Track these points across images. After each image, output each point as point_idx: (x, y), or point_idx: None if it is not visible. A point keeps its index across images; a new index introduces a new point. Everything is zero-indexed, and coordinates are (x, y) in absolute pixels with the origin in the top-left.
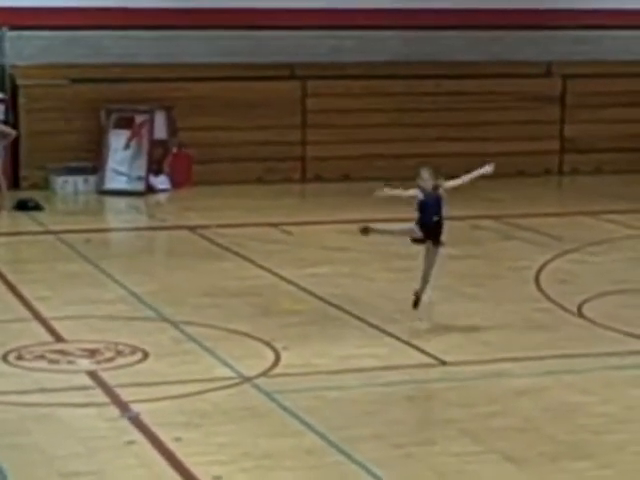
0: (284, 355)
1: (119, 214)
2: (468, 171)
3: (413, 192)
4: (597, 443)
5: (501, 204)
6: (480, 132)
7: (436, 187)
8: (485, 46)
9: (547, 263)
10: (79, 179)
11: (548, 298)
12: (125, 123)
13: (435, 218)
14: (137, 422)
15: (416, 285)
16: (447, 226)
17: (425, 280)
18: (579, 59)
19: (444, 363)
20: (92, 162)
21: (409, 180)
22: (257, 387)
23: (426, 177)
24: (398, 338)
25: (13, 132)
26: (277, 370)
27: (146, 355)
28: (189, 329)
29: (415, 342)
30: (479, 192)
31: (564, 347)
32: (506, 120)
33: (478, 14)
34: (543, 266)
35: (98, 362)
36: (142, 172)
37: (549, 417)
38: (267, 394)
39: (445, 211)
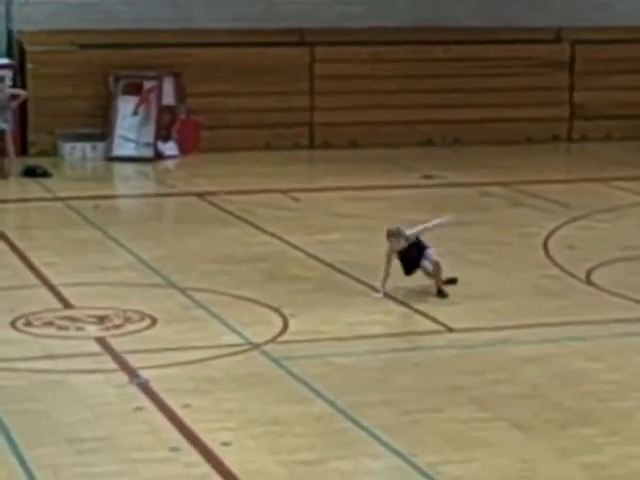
0: (292, 322)
1: (127, 180)
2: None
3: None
4: (605, 410)
5: (509, 171)
6: (488, 98)
7: (407, 239)
8: (494, 12)
9: (555, 230)
10: (87, 145)
11: (556, 265)
12: (133, 89)
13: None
14: (145, 388)
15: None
16: (457, 193)
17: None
18: (588, 25)
19: (451, 330)
20: (100, 128)
21: (419, 146)
22: (265, 354)
23: (394, 241)
24: (406, 305)
25: (24, 93)
26: (285, 337)
27: (154, 321)
28: (197, 295)
29: (422, 309)
30: (487, 159)
31: (572, 314)
32: (515, 86)
33: None
34: (551, 233)
35: (106, 328)
36: (150, 138)
37: (556, 384)
38: (275, 361)
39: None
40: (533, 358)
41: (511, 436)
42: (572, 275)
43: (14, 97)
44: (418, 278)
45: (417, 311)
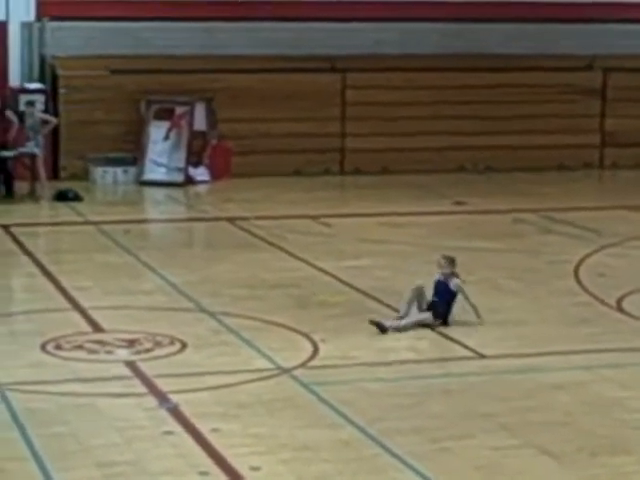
0: (322, 347)
1: (158, 205)
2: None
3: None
4: (636, 438)
5: (541, 198)
6: (521, 125)
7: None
8: (526, 39)
9: (587, 257)
10: (119, 170)
11: (587, 292)
12: (165, 114)
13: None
14: (175, 413)
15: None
16: (489, 219)
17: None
18: (621, 52)
19: (482, 356)
20: (132, 153)
21: (450, 172)
22: (295, 378)
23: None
24: (437, 331)
25: (54, 120)
26: (315, 362)
27: (184, 346)
28: (227, 320)
29: (453, 335)
30: (519, 186)
31: (603, 341)
32: (547, 113)
33: (520, 6)
34: (583, 260)
35: (137, 352)
36: (181, 163)
37: (587, 412)
38: (305, 386)
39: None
40: (564, 385)
41: (541, 464)
42: (603, 302)
43: (45, 123)
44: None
45: (448, 337)
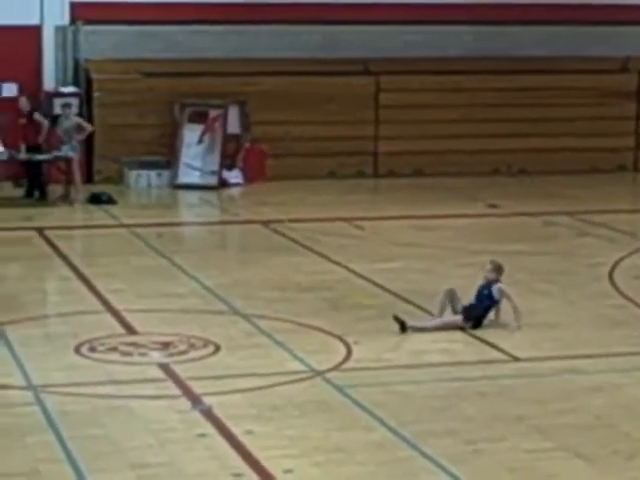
0: (356, 349)
1: (192, 208)
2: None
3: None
4: None
5: (575, 200)
6: (554, 128)
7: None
8: (560, 41)
9: (621, 260)
10: (152, 173)
11: (622, 294)
12: (199, 117)
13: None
14: (208, 415)
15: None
16: (522, 222)
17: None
18: None
19: (517, 359)
20: (165, 156)
21: (483, 175)
22: (328, 381)
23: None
24: (471, 334)
25: (89, 127)
26: (349, 364)
27: (218, 348)
28: (261, 323)
29: (487, 338)
30: (553, 188)
31: (638, 344)
32: (581, 116)
33: (553, 9)
34: (617, 263)
35: (170, 355)
36: (215, 166)
37: (623, 414)
38: (338, 388)
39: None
40: (599, 388)
41: (576, 467)
42: (638, 305)
43: (80, 129)
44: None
45: (482, 340)
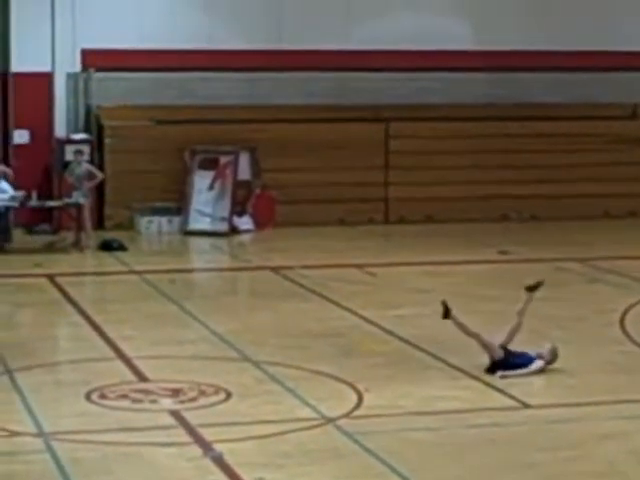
0: (367, 396)
1: (203, 254)
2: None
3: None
4: None
5: (586, 246)
6: (565, 174)
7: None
8: (570, 88)
9: (632, 306)
10: (163, 219)
11: (633, 341)
12: (210, 164)
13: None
14: (220, 462)
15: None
16: (533, 268)
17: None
18: None
19: (527, 406)
20: (176, 203)
21: (493, 221)
22: (340, 428)
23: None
24: (481, 380)
25: (100, 175)
26: (360, 411)
27: (229, 395)
28: (272, 369)
29: (498, 385)
30: (563, 234)
31: None
32: (591, 162)
33: (563, 56)
34: (628, 309)
35: (181, 402)
36: (226, 213)
37: (634, 462)
38: (350, 435)
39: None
40: (610, 435)
41: None
42: None
43: (91, 176)
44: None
45: (493, 387)
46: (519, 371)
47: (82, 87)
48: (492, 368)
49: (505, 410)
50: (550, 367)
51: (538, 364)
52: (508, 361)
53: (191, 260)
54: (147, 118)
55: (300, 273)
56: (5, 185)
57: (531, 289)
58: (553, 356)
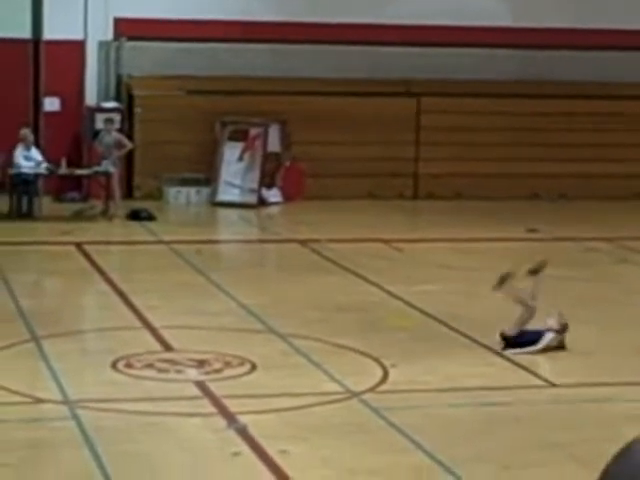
0: (392, 372)
1: (231, 226)
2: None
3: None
4: None
5: (615, 226)
6: (595, 153)
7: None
8: (603, 66)
9: None
10: (192, 190)
11: None
12: (239, 135)
13: None
14: (243, 434)
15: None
16: (561, 247)
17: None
18: None
19: (553, 385)
20: (205, 174)
21: (523, 199)
22: (364, 403)
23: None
24: (507, 358)
25: (129, 144)
26: (385, 386)
27: (254, 367)
28: (297, 342)
29: (524, 363)
30: (592, 214)
31: None
32: (621, 142)
33: (597, 34)
34: None
35: (206, 372)
36: (255, 185)
37: None
38: (374, 410)
39: None
40: (637, 416)
41: None
42: None
43: (121, 145)
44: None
45: (519, 365)
46: (529, 348)
47: (113, 56)
48: (506, 344)
49: (531, 388)
50: (578, 346)
51: (548, 337)
52: (519, 339)
53: (219, 231)
54: (177, 88)
55: (327, 247)
56: (35, 153)
57: (534, 272)
58: (562, 325)
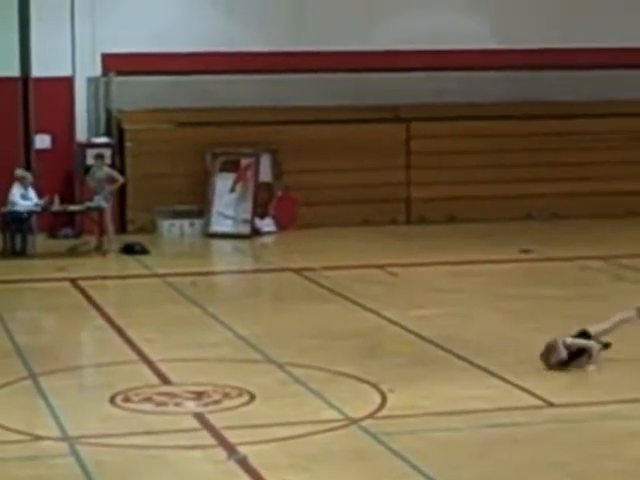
0: (391, 397)
1: (225, 257)
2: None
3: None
4: None
5: (610, 244)
6: (588, 172)
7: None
8: (589, 85)
9: None
10: (185, 222)
11: None
12: (231, 166)
13: None
14: (244, 464)
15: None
16: (556, 267)
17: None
18: None
19: (552, 405)
20: (198, 205)
21: (516, 220)
22: (364, 429)
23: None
24: (505, 379)
25: (121, 179)
26: (384, 412)
27: (252, 397)
28: (295, 371)
29: (522, 384)
30: (588, 233)
31: None
32: (612, 160)
33: (581, 54)
34: None
35: (205, 404)
36: (248, 215)
37: None
38: (374, 436)
39: None
40: (636, 434)
41: None
42: None
43: (112, 180)
44: (514, 352)
45: (517, 386)
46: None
47: (102, 91)
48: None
49: (529, 409)
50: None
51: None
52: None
53: (213, 263)
54: (168, 121)
55: (322, 274)
56: (32, 193)
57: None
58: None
